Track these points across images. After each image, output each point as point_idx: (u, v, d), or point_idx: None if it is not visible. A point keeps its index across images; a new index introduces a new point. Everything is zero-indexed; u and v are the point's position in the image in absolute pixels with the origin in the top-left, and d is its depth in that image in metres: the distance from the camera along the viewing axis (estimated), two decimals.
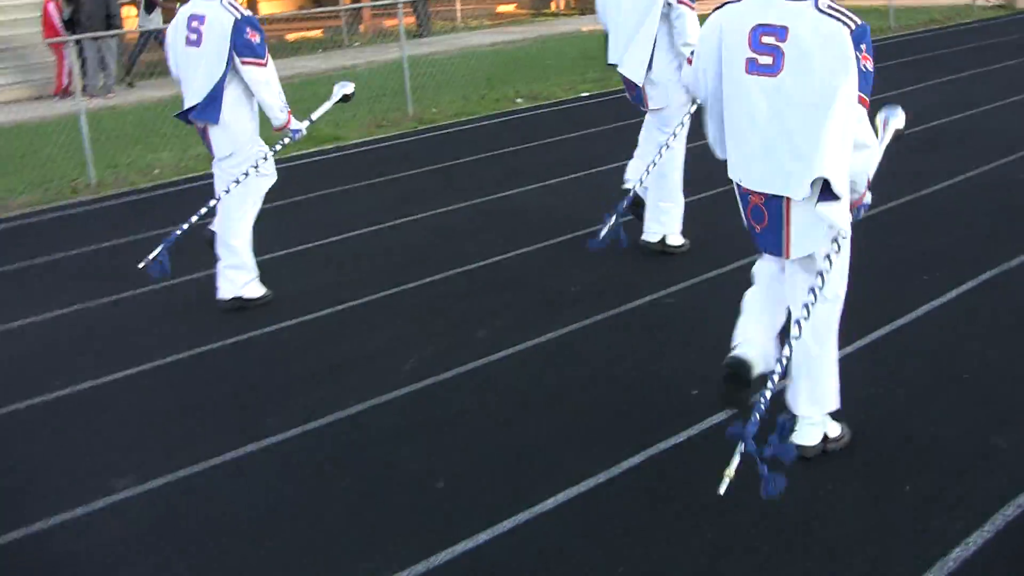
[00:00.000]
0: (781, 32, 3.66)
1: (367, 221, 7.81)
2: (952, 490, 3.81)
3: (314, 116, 6.38)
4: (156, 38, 15.79)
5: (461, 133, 11.07)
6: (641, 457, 4.18)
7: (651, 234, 6.65)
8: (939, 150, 8.79)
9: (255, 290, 6.28)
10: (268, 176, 6.21)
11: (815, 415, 4.07)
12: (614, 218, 5.77)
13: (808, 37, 3.61)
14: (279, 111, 5.97)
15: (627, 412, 4.61)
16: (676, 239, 6.67)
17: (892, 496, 3.80)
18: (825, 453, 4.08)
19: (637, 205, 6.48)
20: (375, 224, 7.73)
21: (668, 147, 6.14)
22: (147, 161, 10.47)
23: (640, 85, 6.30)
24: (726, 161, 4.02)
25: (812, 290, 3.77)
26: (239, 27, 5.81)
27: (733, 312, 4.19)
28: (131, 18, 20.79)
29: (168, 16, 15.17)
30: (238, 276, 6.20)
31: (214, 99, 5.89)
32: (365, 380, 5.09)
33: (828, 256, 3.77)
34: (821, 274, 3.77)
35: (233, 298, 6.21)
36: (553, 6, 25.16)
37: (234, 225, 6.13)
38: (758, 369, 3.95)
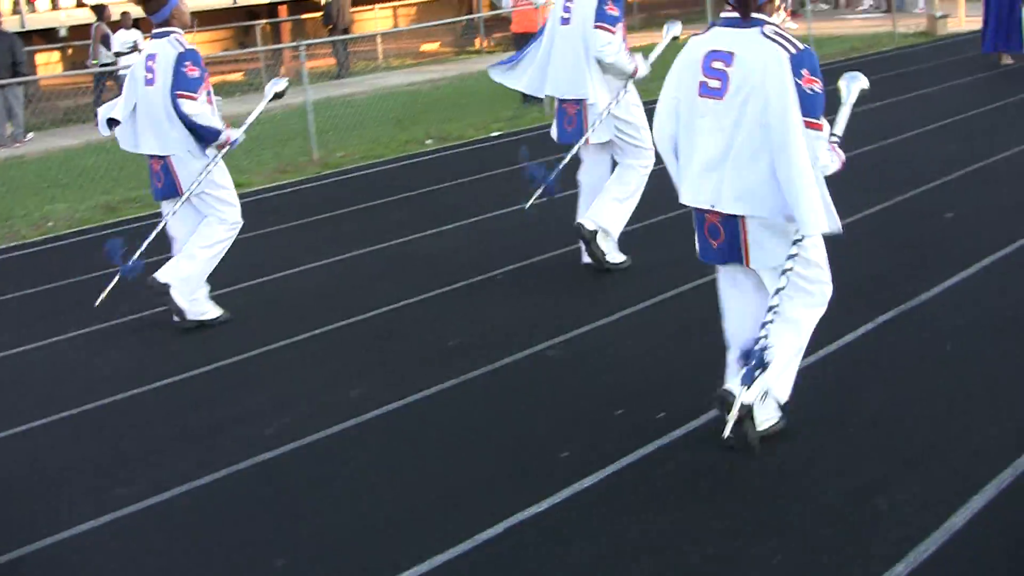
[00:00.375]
0: (728, 57, 3.93)
1: (255, 273, 7.61)
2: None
3: (249, 120, 6.72)
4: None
5: (366, 177, 10.92)
6: (501, 528, 3.99)
7: (588, 221, 6.67)
8: (856, 179, 8.70)
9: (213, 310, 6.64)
10: (228, 224, 6.50)
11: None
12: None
13: (751, 61, 3.86)
14: (215, 136, 6.30)
15: (491, 481, 4.42)
16: (616, 256, 6.81)
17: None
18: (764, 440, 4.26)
19: (588, 242, 6.68)
20: (262, 276, 7.55)
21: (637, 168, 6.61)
22: (41, 213, 10.22)
23: (589, 103, 6.49)
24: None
25: (778, 288, 4.01)
26: (179, 60, 6.15)
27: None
28: (51, 64, 20.56)
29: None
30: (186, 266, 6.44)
31: (168, 131, 6.22)
32: (228, 445, 4.90)
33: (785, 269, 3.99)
34: (785, 272, 4.00)
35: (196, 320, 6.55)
36: (478, 43, 25.15)
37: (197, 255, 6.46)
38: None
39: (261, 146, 11.95)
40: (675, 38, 6.80)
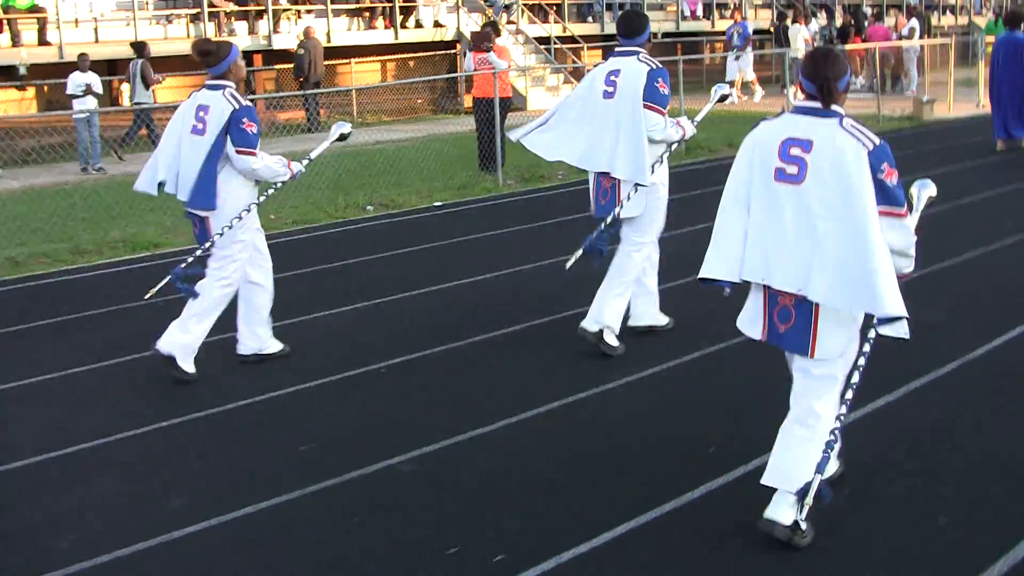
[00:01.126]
0: (807, 144, 4.10)
1: (132, 348, 7.06)
2: None
3: (312, 155, 6.92)
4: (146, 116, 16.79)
5: (291, 244, 10.35)
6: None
7: (591, 323, 6.67)
8: None
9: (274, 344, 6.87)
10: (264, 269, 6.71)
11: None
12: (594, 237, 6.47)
13: (830, 151, 4.02)
14: (282, 176, 6.55)
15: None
16: (612, 339, 6.71)
17: None
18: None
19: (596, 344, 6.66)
20: (135, 352, 6.99)
21: (638, 251, 6.65)
22: None
23: (614, 177, 6.51)
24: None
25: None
26: (237, 116, 6.27)
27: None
28: (10, 102, 20.13)
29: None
30: (198, 328, 6.51)
31: (208, 186, 6.31)
32: (20, 560, 4.33)
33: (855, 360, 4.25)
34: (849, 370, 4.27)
35: (254, 353, 6.78)
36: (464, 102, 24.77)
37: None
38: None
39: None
40: (723, 98, 7.25)
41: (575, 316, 7.00)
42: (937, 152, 14.92)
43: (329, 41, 21.76)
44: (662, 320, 7.06)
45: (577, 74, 23.87)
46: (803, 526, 4.14)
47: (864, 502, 4.58)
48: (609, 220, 6.55)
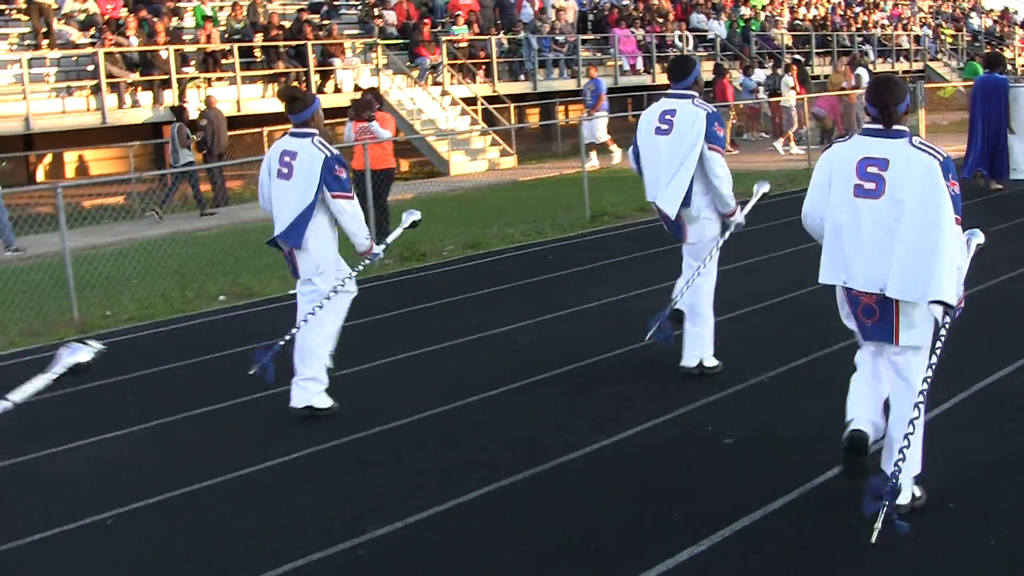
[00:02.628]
0: (883, 163, 4.68)
1: None
2: None
3: (388, 240, 7.49)
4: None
5: (125, 344, 9.39)
6: None
7: (690, 359, 7.44)
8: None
9: (324, 401, 7.03)
10: (350, 293, 7.11)
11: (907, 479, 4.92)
12: (658, 323, 7.15)
13: (905, 166, 4.62)
14: (364, 238, 6.93)
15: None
16: (711, 361, 7.45)
17: None
18: (913, 511, 4.90)
19: (678, 320, 7.38)
20: None
21: (699, 274, 7.17)
22: None
23: (673, 217, 7.12)
24: None
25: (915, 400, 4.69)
26: (329, 163, 6.69)
27: None
28: None
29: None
30: (312, 386, 6.96)
31: (298, 226, 6.72)
32: None
33: (935, 344, 4.72)
34: (930, 358, 4.74)
35: (305, 406, 6.96)
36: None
37: (319, 339, 6.96)
38: (871, 439, 4.88)
39: (6, 302, 10.47)
40: (765, 194, 7.72)
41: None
42: None
43: (239, 110, 20.94)
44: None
45: (505, 135, 23.17)
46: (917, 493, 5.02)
47: None
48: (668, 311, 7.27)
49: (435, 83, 24.12)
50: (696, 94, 7.19)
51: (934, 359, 4.70)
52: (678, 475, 5.75)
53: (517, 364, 7.98)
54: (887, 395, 5.02)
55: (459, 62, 24.54)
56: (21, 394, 4.06)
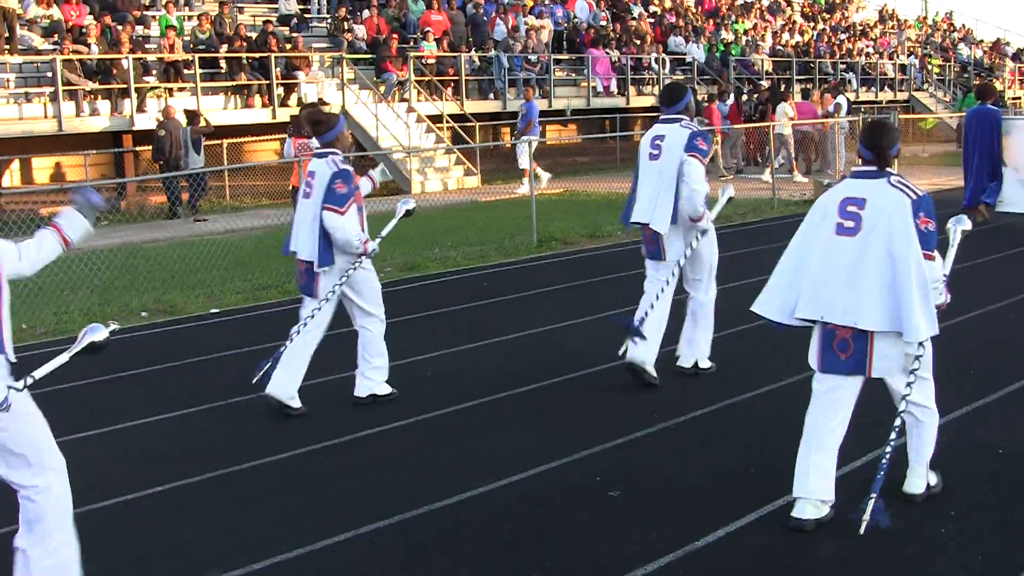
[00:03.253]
0: (860, 202, 5.05)
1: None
2: None
3: (383, 233, 7.69)
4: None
5: (37, 359, 9.19)
6: None
7: (687, 360, 8.03)
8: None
9: (385, 388, 7.71)
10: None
11: (922, 469, 5.50)
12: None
13: (879, 205, 4.99)
14: (355, 248, 7.18)
15: None
16: (706, 363, 8.05)
17: None
18: (929, 498, 5.48)
19: (639, 335, 7.60)
20: None
21: (664, 290, 7.67)
22: None
23: (661, 236, 7.58)
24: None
25: (908, 382, 5.15)
26: (332, 178, 7.06)
27: None
28: None
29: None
30: (377, 375, 7.64)
31: (320, 244, 7.12)
32: None
33: (916, 360, 5.14)
34: (913, 371, 5.14)
35: (369, 395, 7.63)
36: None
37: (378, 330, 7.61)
38: (815, 519, 5.22)
39: None
40: (730, 199, 8.13)
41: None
42: None
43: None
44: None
45: (469, 154, 23.08)
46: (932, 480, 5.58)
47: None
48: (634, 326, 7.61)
49: (401, 100, 24.04)
50: (686, 118, 7.60)
51: (920, 363, 5.17)
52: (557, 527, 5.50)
53: (414, 397, 7.77)
54: (837, 436, 5.30)
55: (426, 79, 24.45)
56: (43, 371, 4.62)
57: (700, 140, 7.44)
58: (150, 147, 19.59)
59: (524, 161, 21.08)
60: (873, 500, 4.85)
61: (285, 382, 7.33)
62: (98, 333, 4.91)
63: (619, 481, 6.03)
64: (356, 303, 7.46)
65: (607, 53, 28.55)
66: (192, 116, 19.59)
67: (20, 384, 4.46)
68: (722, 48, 32.64)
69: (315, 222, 7.11)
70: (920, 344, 5.08)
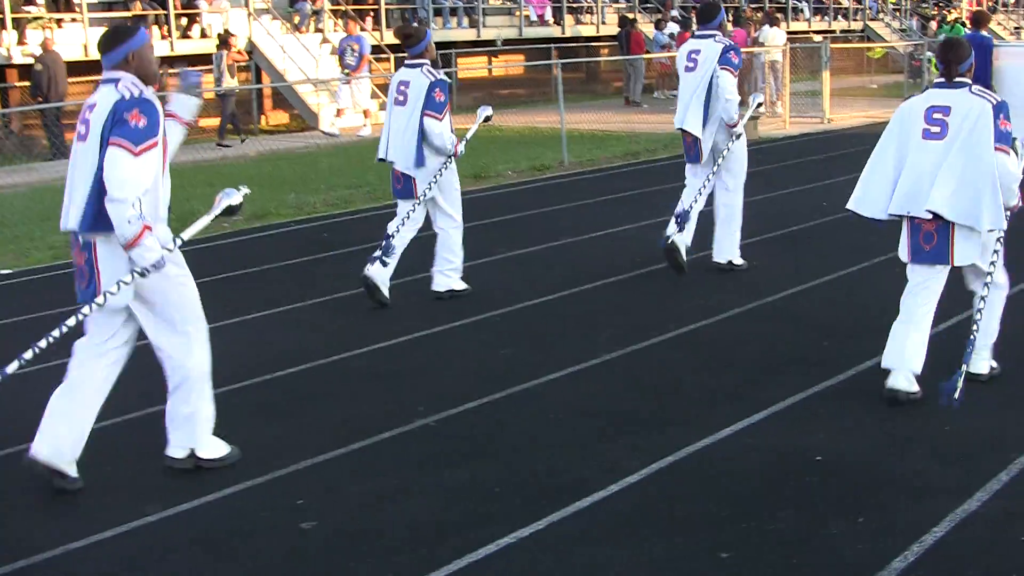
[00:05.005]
0: (946, 110, 5.75)
1: None
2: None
3: (468, 136, 8.17)
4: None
5: None
6: None
7: (720, 256, 8.90)
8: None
9: (461, 284, 8.36)
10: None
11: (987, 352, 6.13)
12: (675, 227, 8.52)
13: (964, 111, 5.68)
14: (448, 151, 7.90)
15: None
16: (738, 259, 8.92)
17: None
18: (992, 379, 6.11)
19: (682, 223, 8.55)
20: None
21: (707, 183, 8.59)
22: None
23: (697, 138, 8.45)
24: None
25: (984, 280, 5.84)
26: (431, 87, 7.73)
27: None
28: None
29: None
30: (454, 273, 8.32)
31: (414, 149, 7.81)
32: None
33: (994, 253, 5.81)
34: (991, 266, 5.81)
35: (447, 290, 8.29)
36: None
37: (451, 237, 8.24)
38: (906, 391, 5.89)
39: None
40: (760, 104, 9.25)
41: None
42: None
43: (87, 54, 19.40)
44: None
45: (384, 87, 21.76)
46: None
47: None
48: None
49: (316, 30, 22.69)
50: (719, 33, 8.50)
51: (996, 255, 5.79)
52: None
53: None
54: (929, 318, 5.92)
55: (342, 8, 23.06)
56: (189, 232, 5.03)
57: (732, 54, 8.37)
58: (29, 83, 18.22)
59: (364, 100, 20.32)
60: (964, 372, 5.53)
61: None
62: (233, 197, 5.18)
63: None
64: (439, 205, 8.09)
65: None
66: (224, 39, 19.32)
67: (172, 245, 4.92)
68: None
69: (408, 128, 7.80)
70: (996, 237, 5.76)
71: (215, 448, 5.31)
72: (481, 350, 7.12)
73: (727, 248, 8.85)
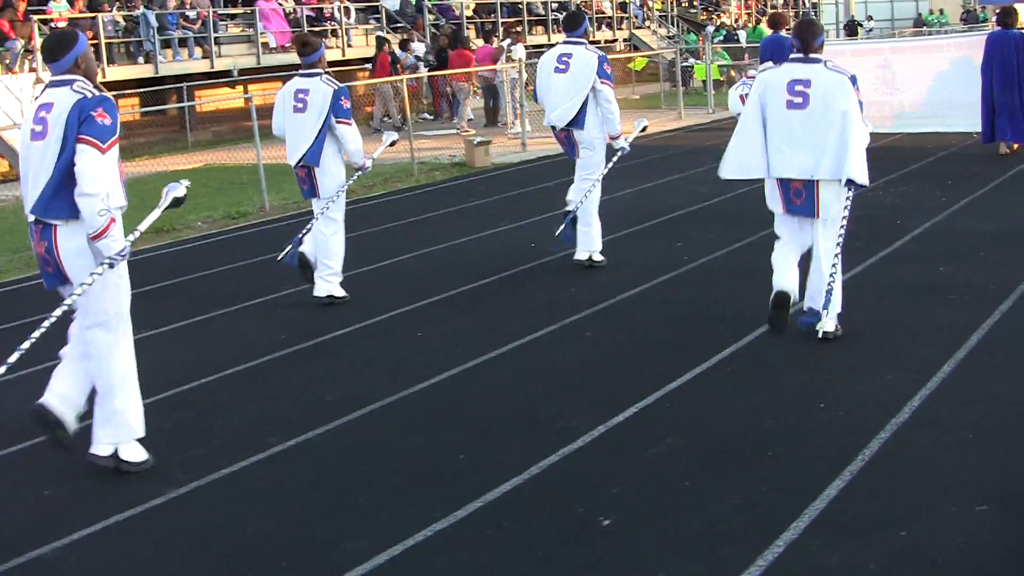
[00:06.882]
0: (806, 82, 6.69)
1: None
2: None
3: (375, 155, 9.36)
4: None
5: None
6: None
7: (582, 253, 9.73)
8: None
9: (340, 291, 9.08)
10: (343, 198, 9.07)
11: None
12: (562, 227, 9.47)
13: (823, 83, 6.66)
14: (361, 159, 8.96)
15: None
16: (599, 256, 9.78)
17: None
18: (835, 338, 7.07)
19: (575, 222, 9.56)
20: None
21: (592, 188, 9.48)
22: None
23: (563, 132, 9.48)
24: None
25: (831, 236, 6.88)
26: (337, 94, 8.61)
27: None
28: None
29: None
30: (334, 279, 9.03)
31: (318, 149, 8.67)
32: None
33: (843, 213, 6.82)
34: (840, 223, 6.85)
35: (328, 295, 8.99)
36: None
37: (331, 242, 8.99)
38: (792, 299, 6.98)
39: None
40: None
41: None
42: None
43: None
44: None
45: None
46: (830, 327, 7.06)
47: None
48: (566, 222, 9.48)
49: (31, 70, 21.63)
50: (587, 41, 9.49)
51: (842, 227, 6.83)
52: None
53: None
54: (796, 261, 7.04)
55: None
56: (143, 226, 5.62)
57: (607, 65, 9.29)
58: None
59: None
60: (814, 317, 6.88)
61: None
62: (177, 189, 5.76)
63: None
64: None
65: (279, 5, 26.59)
66: None
67: (130, 237, 5.51)
68: None
69: (313, 132, 8.57)
70: (848, 188, 6.70)
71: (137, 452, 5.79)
72: None
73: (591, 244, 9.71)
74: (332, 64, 26.87)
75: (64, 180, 5.36)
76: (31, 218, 5.55)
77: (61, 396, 5.68)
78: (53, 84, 5.58)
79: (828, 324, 6.91)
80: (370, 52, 26.52)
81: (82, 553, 5.00)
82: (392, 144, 9.43)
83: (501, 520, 4.96)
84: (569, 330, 7.96)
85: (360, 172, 9.10)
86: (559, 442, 5.77)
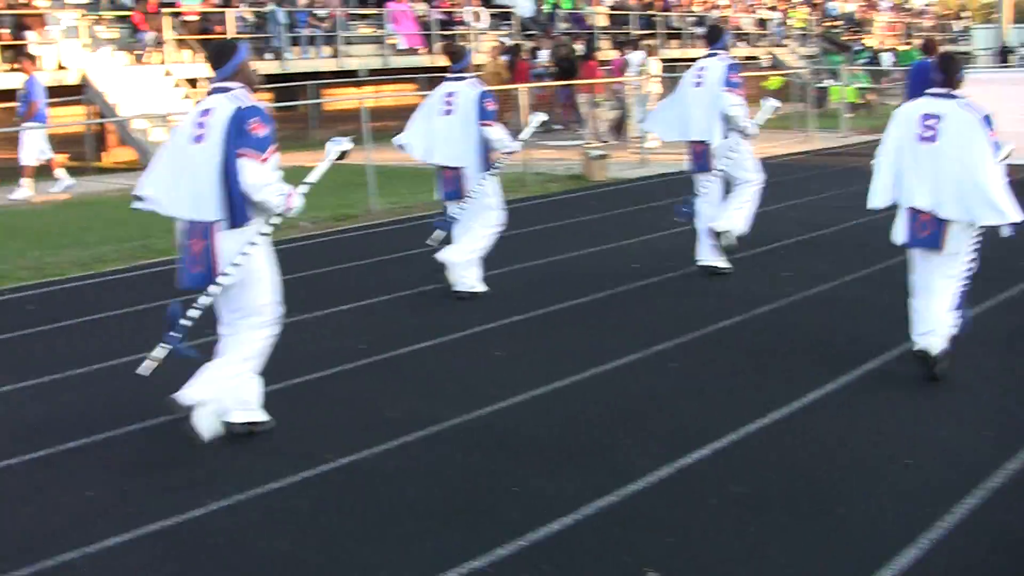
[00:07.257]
0: (938, 117, 6.70)
1: None
2: None
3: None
4: None
5: None
6: None
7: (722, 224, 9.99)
8: None
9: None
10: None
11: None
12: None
13: (955, 121, 6.64)
14: (506, 148, 9.38)
15: None
16: (731, 237, 10.18)
17: None
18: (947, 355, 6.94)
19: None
20: None
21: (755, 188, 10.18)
22: None
23: (710, 145, 9.67)
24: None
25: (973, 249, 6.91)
26: (482, 96, 9.19)
27: None
28: None
29: None
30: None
31: (477, 150, 9.31)
32: None
33: (969, 250, 6.85)
34: (966, 258, 6.88)
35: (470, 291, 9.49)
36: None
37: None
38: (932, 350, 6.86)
39: None
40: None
41: None
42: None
43: None
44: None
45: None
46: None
47: None
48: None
49: (160, 62, 22.07)
50: (723, 52, 9.82)
51: (970, 262, 6.86)
52: None
53: None
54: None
55: (184, 37, 22.45)
56: (312, 177, 6.20)
57: (732, 74, 9.52)
58: None
59: (26, 156, 16.36)
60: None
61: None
62: (343, 143, 6.35)
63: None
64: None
65: (410, 7, 26.67)
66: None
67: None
68: (551, 2, 30.89)
69: (464, 133, 9.08)
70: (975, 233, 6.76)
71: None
72: None
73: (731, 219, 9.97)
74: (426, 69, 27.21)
75: (223, 184, 5.75)
76: (186, 217, 5.90)
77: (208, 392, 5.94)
78: (215, 90, 5.97)
79: (937, 343, 6.80)
80: (483, 60, 26.38)
81: (109, 561, 4.88)
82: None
83: (541, 562, 4.69)
84: (653, 359, 7.63)
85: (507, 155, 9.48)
86: (617, 482, 5.46)
